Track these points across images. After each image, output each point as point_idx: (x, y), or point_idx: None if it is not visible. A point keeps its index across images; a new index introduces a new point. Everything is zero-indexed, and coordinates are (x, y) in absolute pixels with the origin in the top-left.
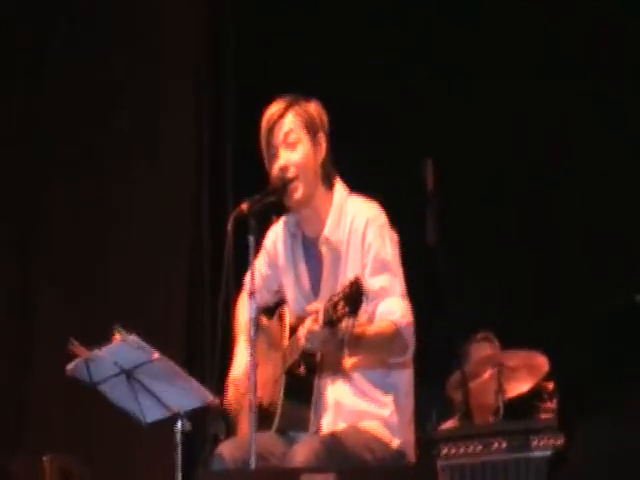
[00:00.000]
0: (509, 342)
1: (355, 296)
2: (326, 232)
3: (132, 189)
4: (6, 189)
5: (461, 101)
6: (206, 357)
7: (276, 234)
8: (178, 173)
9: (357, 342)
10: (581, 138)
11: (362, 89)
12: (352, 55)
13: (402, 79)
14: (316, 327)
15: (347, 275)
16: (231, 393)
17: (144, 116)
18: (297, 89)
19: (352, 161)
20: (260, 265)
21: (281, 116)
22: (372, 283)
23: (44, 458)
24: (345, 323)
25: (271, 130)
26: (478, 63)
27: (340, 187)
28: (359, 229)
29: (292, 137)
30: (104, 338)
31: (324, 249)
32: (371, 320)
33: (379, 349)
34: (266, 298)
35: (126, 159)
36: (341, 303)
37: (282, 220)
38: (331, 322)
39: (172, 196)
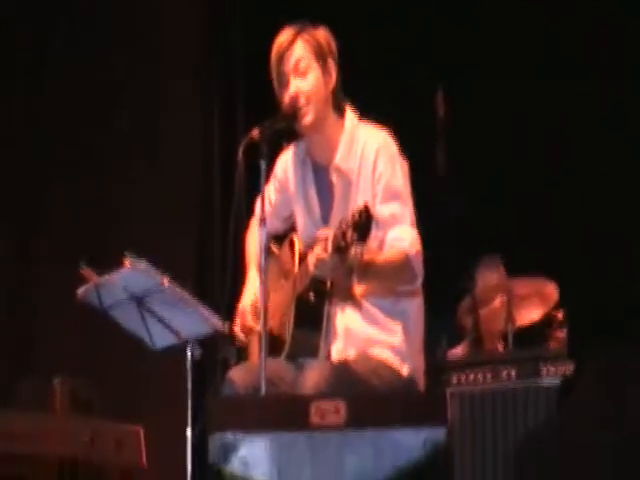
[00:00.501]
0: (518, 268)
1: (364, 223)
2: (337, 160)
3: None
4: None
5: (472, 29)
6: (217, 284)
7: (286, 161)
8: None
9: (366, 269)
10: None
11: (374, 16)
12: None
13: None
14: (325, 254)
15: (358, 202)
16: (240, 322)
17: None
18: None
19: (362, 90)
20: (270, 192)
21: (290, 44)
22: (382, 210)
23: (55, 381)
24: (354, 250)
25: (281, 58)
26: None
27: (351, 114)
28: (370, 157)
29: (302, 65)
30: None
31: (335, 177)
32: (381, 247)
33: (388, 277)
34: (276, 225)
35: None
36: (350, 230)
37: (292, 147)
38: (340, 249)
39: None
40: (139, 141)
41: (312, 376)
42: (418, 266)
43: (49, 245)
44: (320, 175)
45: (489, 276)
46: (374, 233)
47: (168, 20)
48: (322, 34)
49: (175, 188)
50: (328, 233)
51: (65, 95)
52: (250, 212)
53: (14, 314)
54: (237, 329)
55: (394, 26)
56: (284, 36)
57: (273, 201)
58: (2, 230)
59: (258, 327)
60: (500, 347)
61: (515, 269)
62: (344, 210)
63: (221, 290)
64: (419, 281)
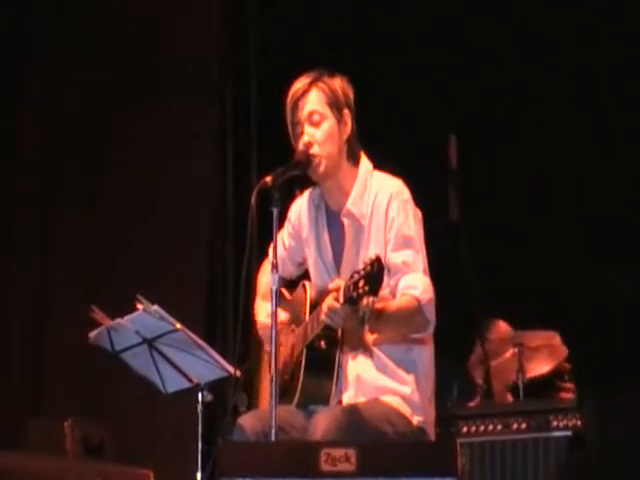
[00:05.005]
0: (524, 323)
1: (375, 275)
2: (349, 204)
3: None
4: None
5: (486, 79)
6: (228, 330)
7: (300, 206)
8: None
9: (378, 317)
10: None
11: (388, 64)
12: (378, 31)
13: (430, 56)
14: (336, 304)
15: (369, 249)
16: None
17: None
18: (322, 63)
19: (377, 137)
20: (284, 236)
21: (305, 92)
22: (394, 257)
23: (65, 423)
24: (365, 301)
25: (295, 106)
26: (505, 44)
27: (365, 162)
28: (382, 204)
29: (316, 117)
30: (126, 311)
31: (346, 221)
32: (393, 294)
33: (400, 324)
34: (289, 270)
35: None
36: (361, 282)
37: (307, 192)
38: (351, 300)
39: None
40: (152, 183)
41: (323, 421)
42: (430, 313)
43: (62, 290)
44: (333, 220)
45: (500, 327)
46: (386, 280)
47: (178, 77)
48: (338, 83)
49: (187, 232)
50: (340, 283)
51: (77, 142)
52: (263, 256)
53: (27, 356)
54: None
55: (408, 75)
56: (299, 84)
57: (287, 245)
58: (18, 273)
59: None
60: (510, 398)
61: (524, 319)
62: (355, 255)
63: (232, 336)
64: (431, 328)
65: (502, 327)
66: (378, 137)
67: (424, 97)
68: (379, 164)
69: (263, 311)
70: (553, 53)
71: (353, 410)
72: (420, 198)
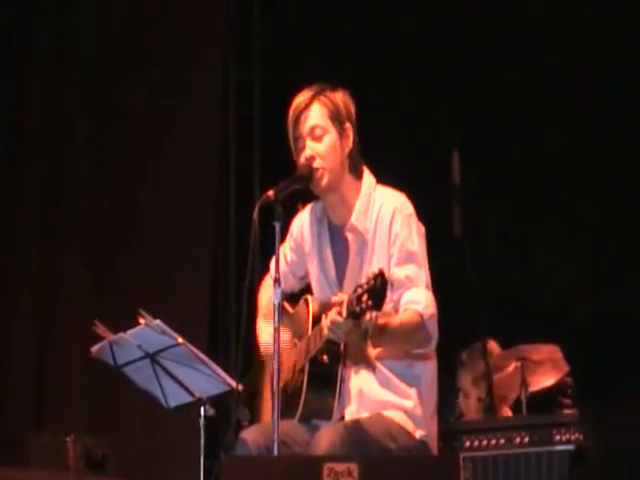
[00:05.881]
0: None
1: (379, 290)
2: (353, 219)
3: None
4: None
5: (487, 80)
6: (230, 344)
7: (302, 220)
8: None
9: (381, 332)
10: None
11: (392, 78)
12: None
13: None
14: (339, 318)
15: (372, 263)
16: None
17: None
18: (324, 75)
19: (380, 152)
20: (286, 250)
21: (307, 106)
22: (397, 272)
23: (67, 438)
24: (368, 316)
25: (297, 120)
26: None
27: (368, 177)
28: (386, 218)
29: (318, 131)
30: (128, 325)
31: (350, 236)
32: (396, 309)
33: (403, 339)
34: (292, 284)
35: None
36: (365, 296)
37: (309, 206)
38: (354, 314)
39: (198, 183)
40: (155, 196)
41: (326, 437)
42: (433, 328)
43: (66, 306)
44: (336, 235)
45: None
46: (389, 295)
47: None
48: (340, 97)
49: (190, 246)
50: (343, 297)
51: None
52: (265, 271)
53: (29, 371)
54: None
55: (411, 91)
56: (301, 98)
57: (289, 260)
58: (20, 291)
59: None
60: (513, 413)
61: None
62: (358, 269)
63: (234, 350)
64: (434, 343)
65: (493, 347)
66: (380, 150)
67: (427, 114)
68: (382, 178)
69: (265, 332)
70: (553, 53)
71: (356, 426)
72: (423, 213)
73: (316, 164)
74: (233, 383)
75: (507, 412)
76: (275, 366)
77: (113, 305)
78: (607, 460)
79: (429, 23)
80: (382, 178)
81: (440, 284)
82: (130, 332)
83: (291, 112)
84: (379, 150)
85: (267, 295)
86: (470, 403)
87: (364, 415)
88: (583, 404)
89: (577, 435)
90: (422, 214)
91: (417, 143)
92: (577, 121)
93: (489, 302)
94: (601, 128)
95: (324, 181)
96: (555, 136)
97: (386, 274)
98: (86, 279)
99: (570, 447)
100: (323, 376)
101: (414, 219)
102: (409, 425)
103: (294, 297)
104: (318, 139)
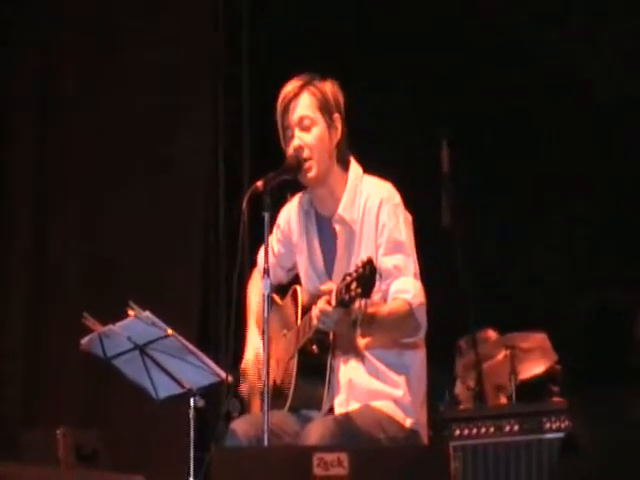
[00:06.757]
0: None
1: (368, 277)
2: (340, 210)
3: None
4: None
5: (478, 82)
6: (220, 334)
7: (289, 212)
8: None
9: (370, 322)
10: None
11: (379, 67)
12: (370, 34)
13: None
14: (329, 307)
15: (360, 254)
16: (243, 382)
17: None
18: (313, 67)
19: (368, 140)
20: (273, 243)
21: (296, 95)
22: (386, 262)
23: (57, 432)
24: (358, 304)
25: (286, 110)
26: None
27: (355, 167)
28: (373, 209)
29: (307, 122)
30: (118, 318)
31: (338, 227)
32: (384, 298)
33: (392, 328)
34: (280, 275)
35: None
36: (354, 284)
37: (296, 198)
38: (343, 303)
39: (187, 176)
40: (145, 192)
41: (315, 430)
42: (421, 317)
43: (55, 299)
44: (323, 226)
45: (489, 335)
46: (378, 285)
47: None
48: (329, 87)
49: (180, 237)
50: (332, 286)
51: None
52: (253, 263)
53: (19, 364)
54: (242, 389)
55: (400, 80)
56: (290, 87)
57: (276, 252)
58: (13, 285)
59: (261, 385)
60: (503, 401)
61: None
62: (347, 260)
63: (224, 341)
64: (422, 332)
65: (491, 335)
66: (370, 141)
67: (416, 99)
68: (370, 168)
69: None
70: (553, 53)
71: (345, 419)
72: (412, 202)
73: (305, 155)
74: (223, 374)
75: (504, 401)
76: (264, 358)
77: (104, 299)
78: (597, 449)
79: (429, 23)
80: (370, 168)
81: (429, 274)
82: (119, 324)
83: (280, 101)
84: (368, 140)
85: (255, 297)
86: (467, 390)
87: (353, 405)
88: (573, 394)
89: (567, 423)
90: (411, 204)
91: (411, 137)
92: (577, 121)
93: (489, 302)
94: (601, 128)
95: (312, 172)
96: (555, 136)
97: (374, 262)
98: (77, 274)
99: (560, 435)
100: (313, 366)
101: (401, 209)
102: (399, 415)
103: (282, 289)
104: (307, 130)
